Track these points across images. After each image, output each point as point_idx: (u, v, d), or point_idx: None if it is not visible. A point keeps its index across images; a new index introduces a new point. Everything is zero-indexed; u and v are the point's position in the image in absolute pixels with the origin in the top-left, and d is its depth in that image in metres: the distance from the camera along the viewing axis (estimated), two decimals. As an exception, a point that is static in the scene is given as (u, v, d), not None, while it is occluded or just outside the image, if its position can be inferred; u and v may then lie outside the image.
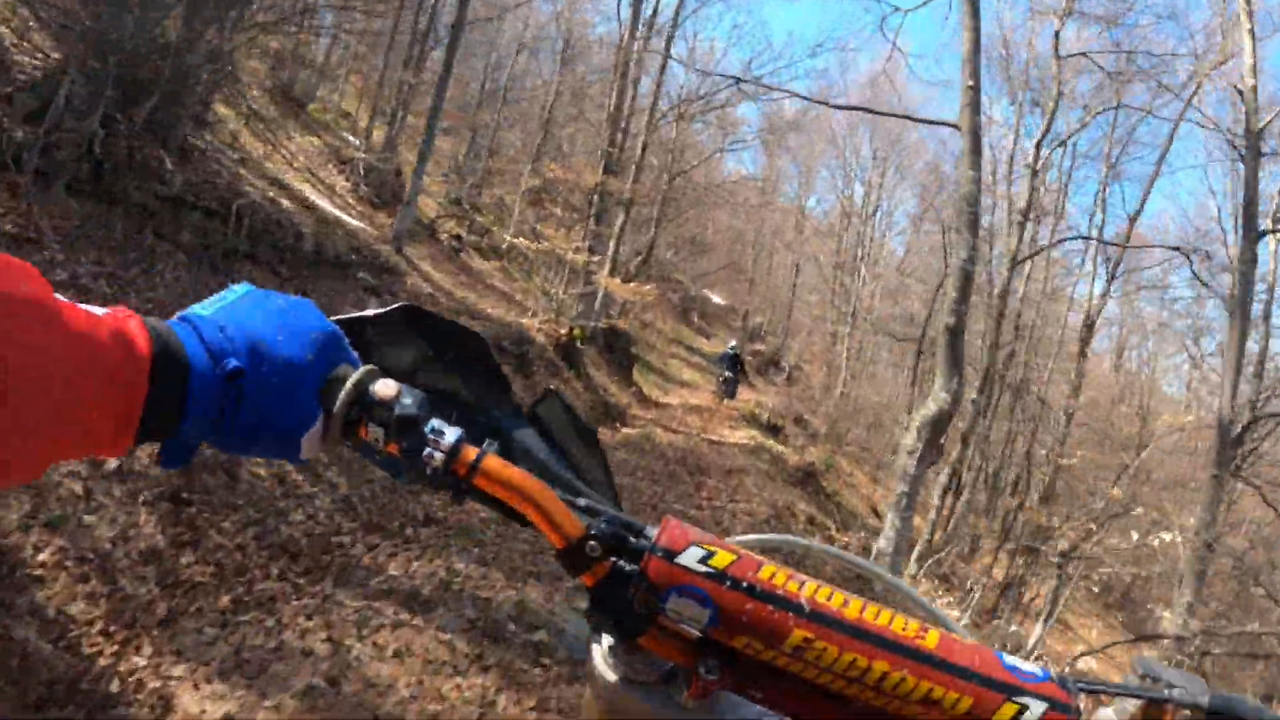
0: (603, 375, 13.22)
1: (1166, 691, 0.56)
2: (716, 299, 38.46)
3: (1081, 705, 0.52)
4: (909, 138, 27.78)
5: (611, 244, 14.23)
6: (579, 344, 9.82)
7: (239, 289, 0.57)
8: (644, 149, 15.35)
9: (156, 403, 0.50)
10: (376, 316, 0.65)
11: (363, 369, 0.58)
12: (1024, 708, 0.50)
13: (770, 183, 35.37)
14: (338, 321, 0.61)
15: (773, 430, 15.07)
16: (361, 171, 11.08)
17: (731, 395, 17.29)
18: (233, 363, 0.52)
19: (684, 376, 22.78)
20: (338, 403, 0.56)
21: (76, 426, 0.47)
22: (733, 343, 19.51)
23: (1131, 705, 0.58)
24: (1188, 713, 0.56)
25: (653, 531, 0.56)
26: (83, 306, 0.48)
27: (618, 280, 9.66)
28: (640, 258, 15.69)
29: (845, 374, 25.47)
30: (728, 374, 17.49)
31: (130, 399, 0.49)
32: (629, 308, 15.44)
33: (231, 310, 0.55)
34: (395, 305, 0.66)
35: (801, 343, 41.97)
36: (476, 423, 0.64)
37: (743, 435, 12.94)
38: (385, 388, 0.56)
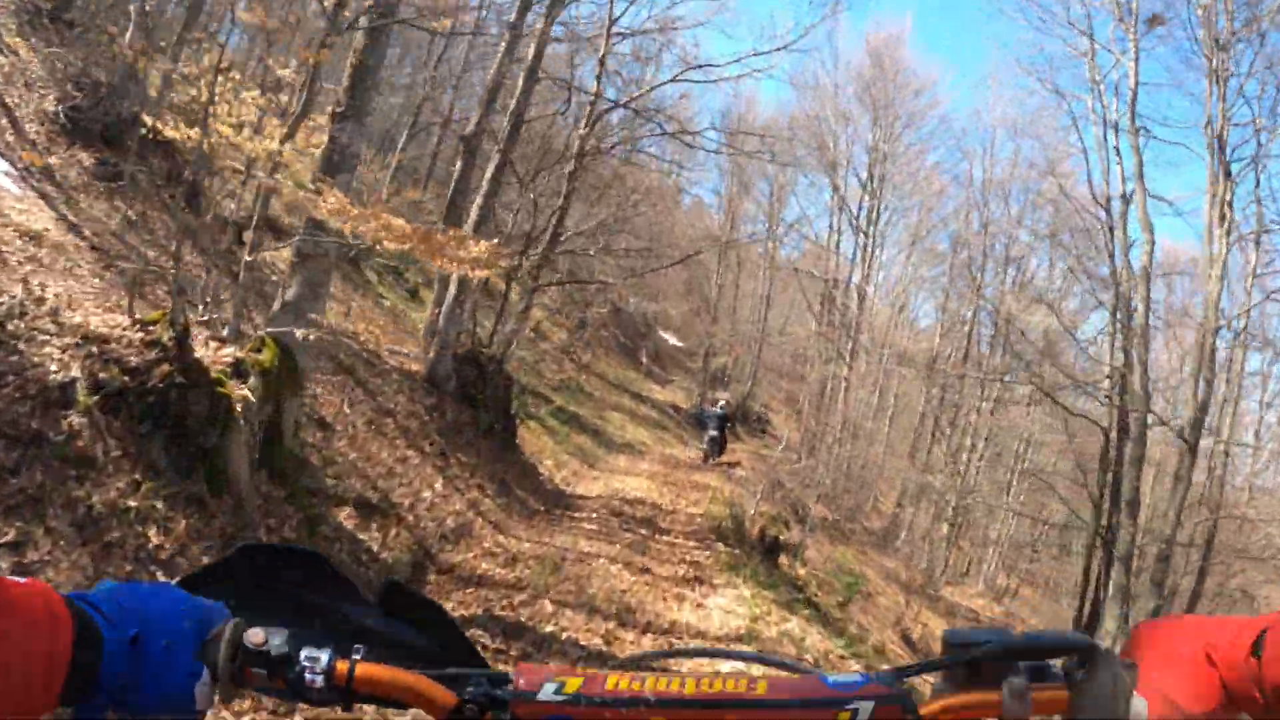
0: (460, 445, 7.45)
1: (975, 651, 0.61)
2: (672, 339, 33.07)
3: (908, 689, 0.61)
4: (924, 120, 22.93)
5: (476, 212, 8.50)
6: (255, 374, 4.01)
7: (109, 583, 0.63)
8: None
9: (78, 668, 0.55)
10: (218, 565, 0.71)
11: (230, 625, 0.63)
12: (855, 712, 0.59)
13: (734, 203, 30.49)
14: (182, 582, 0.68)
15: (768, 553, 9.27)
16: None
17: (718, 453, 16.34)
18: (133, 630, 0.59)
19: (627, 435, 17.08)
20: (220, 661, 0.62)
21: (14, 698, 0.51)
22: (722, 401, 18.31)
23: (957, 671, 0.63)
24: (1002, 661, 0.61)
25: (513, 677, 0.64)
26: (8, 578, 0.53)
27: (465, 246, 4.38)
28: (539, 235, 9.79)
29: (839, 428, 19.91)
30: (714, 433, 16.30)
31: (56, 668, 0.54)
32: (510, 330, 9.67)
33: (116, 592, 0.62)
34: (232, 549, 0.71)
35: (768, 387, 36.98)
36: (337, 624, 0.69)
37: (721, 592, 6.74)
38: (255, 635, 0.63)
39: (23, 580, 0.54)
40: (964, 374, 16.67)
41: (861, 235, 21.72)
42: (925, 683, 0.67)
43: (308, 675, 0.62)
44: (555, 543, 6.72)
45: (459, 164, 9.25)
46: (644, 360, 29.46)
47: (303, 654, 0.63)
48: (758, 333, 31.45)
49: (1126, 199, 12.19)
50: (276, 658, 0.62)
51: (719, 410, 16.88)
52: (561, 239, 10.68)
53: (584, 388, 20.17)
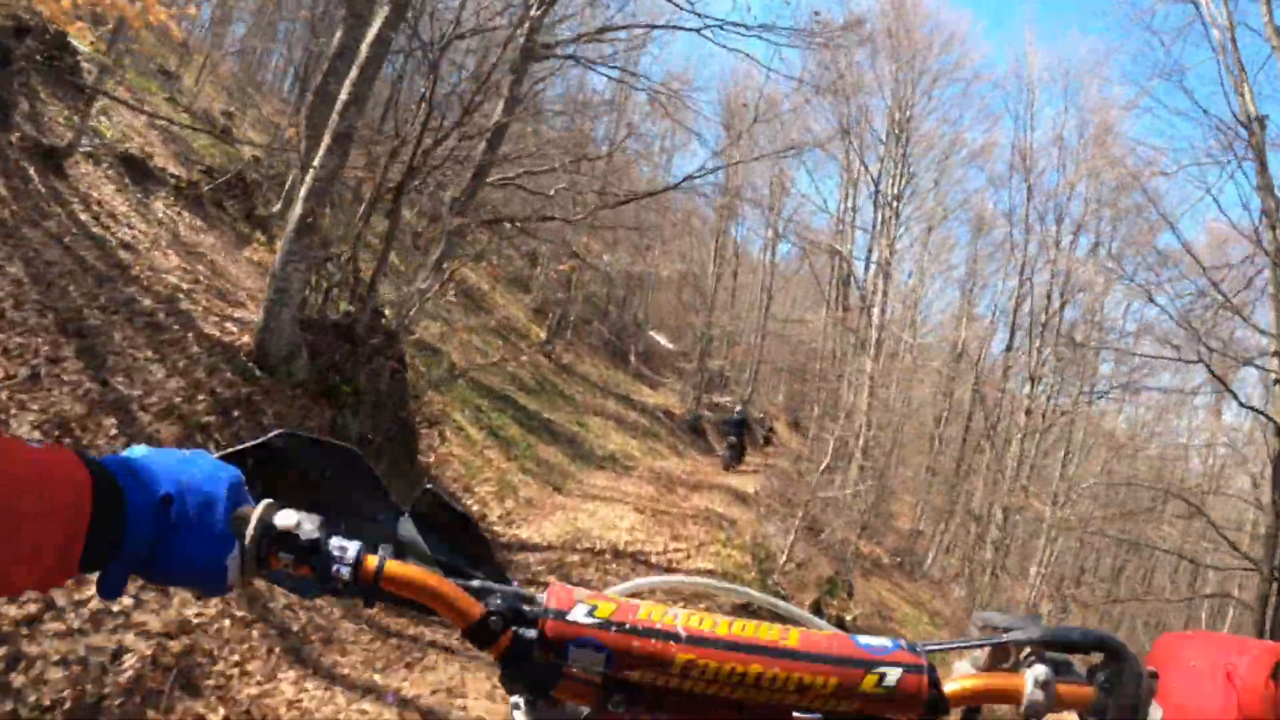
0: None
1: (1005, 635, 0.63)
2: (663, 341, 29.84)
3: (934, 663, 0.60)
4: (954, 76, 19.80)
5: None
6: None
7: (141, 448, 0.61)
8: None
9: (98, 529, 0.53)
10: (256, 445, 0.69)
11: (263, 504, 0.62)
12: (882, 675, 0.59)
13: (731, 191, 27.39)
14: (222, 456, 0.66)
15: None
16: None
17: (738, 460, 16.11)
18: (163, 489, 0.57)
19: (610, 445, 13.84)
20: (248, 537, 0.60)
21: (24, 555, 0.49)
22: (739, 406, 18.04)
23: (980, 653, 0.65)
24: (1028, 650, 0.62)
25: (543, 597, 0.62)
26: (21, 440, 0.51)
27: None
28: (442, 137, 6.38)
29: (863, 434, 16.71)
30: (733, 439, 16.35)
31: (74, 527, 0.52)
32: (417, 291, 6.28)
33: (148, 455, 0.60)
34: (271, 434, 0.69)
35: (767, 391, 33.85)
36: (365, 529, 0.67)
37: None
38: (286, 517, 0.61)
39: (40, 445, 0.53)
40: (1088, 345, 13.46)
41: (885, 209, 18.54)
42: (945, 664, 0.64)
43: (334, 565, 0.61)
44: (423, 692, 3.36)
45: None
46: (632, 360, 26.25)
47: (332, 542, 0.62)
48: (758, 331, 28.36)
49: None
50: (306, 543, 0.61)
51: (736, 415, 16.51)
52: (493, 165, 7.39)
53: (563, 390, 16.95)
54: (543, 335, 19.20)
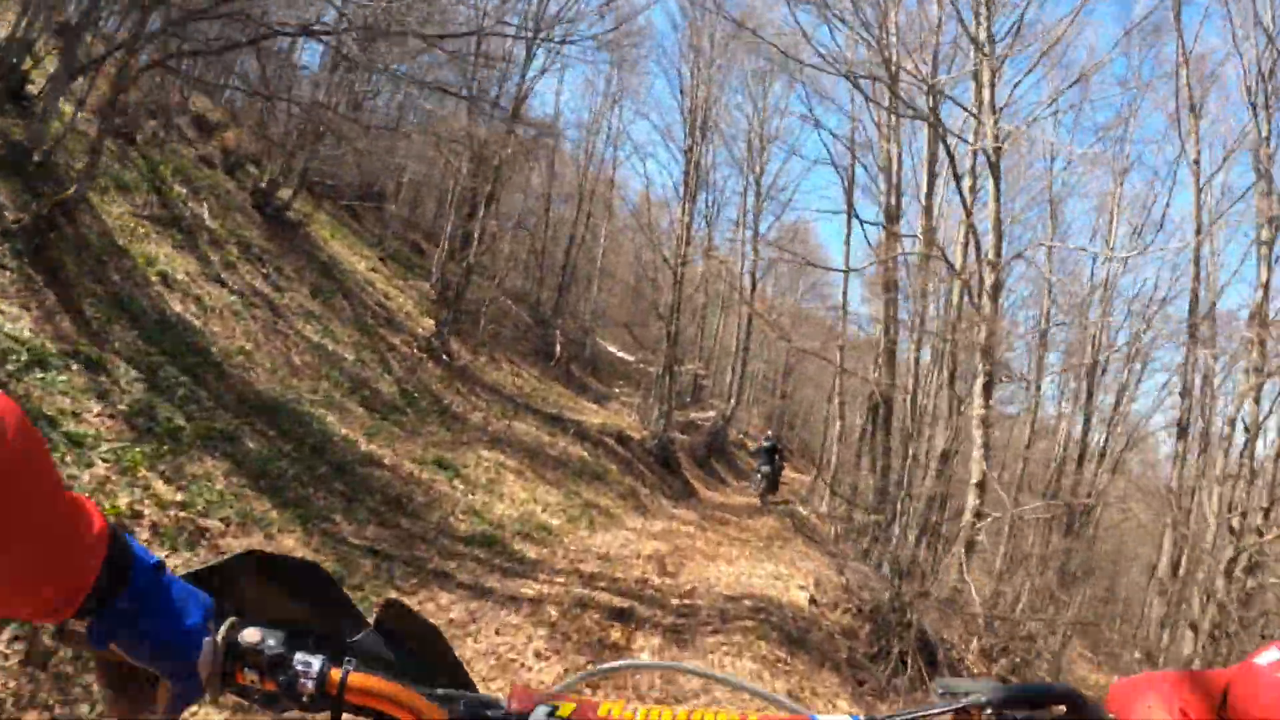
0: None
1: (964, 700, 0.64)
2: (617, 351, 23.17)
3: None
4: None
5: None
6: None
7: None
8: None
9: (104, 578, 0.57)
10: (220, 565, 0.69)
11: (227, 621, 0.64)
12: None
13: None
14: (186, 576, 0.66)
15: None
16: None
17: (774, 489, 14.66)
18: (157, 558, 0.61)
19: (504, 506, 6.99)
20: (213, 653, 0.62)
21: (40, 588, 0.54)
22: (769, 432, 16.78)
23: None
24: (989, 712, 0.63)
25: (504, 700, 0.64)
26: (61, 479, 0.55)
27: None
28: None
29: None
30: (765, 468, 14.61)
31: (85, 570, 0.56)
32: None
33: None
34: (236, 553, 0.69)
35: (749, 406, 27.51)
36: (332, 642, 0.68)
37: None
38: (251, 634, 0.63)
39: (74, 493, 0.56)
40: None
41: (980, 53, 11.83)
42: None
43: (300, 680, 0.62)
44: None
45: None
46: (574, 370, 19.46)
47: (297, 658, 0.63)
48: (740, 328, 21.89)
49: None
50: (271, 659, 0.62)
51: (766, 443, 15.26)
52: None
53: (449, 406, 10.17)
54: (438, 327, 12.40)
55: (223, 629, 0.63)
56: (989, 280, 8.75)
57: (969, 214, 8.93)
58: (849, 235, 16.37)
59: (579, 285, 24.13)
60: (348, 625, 0.69)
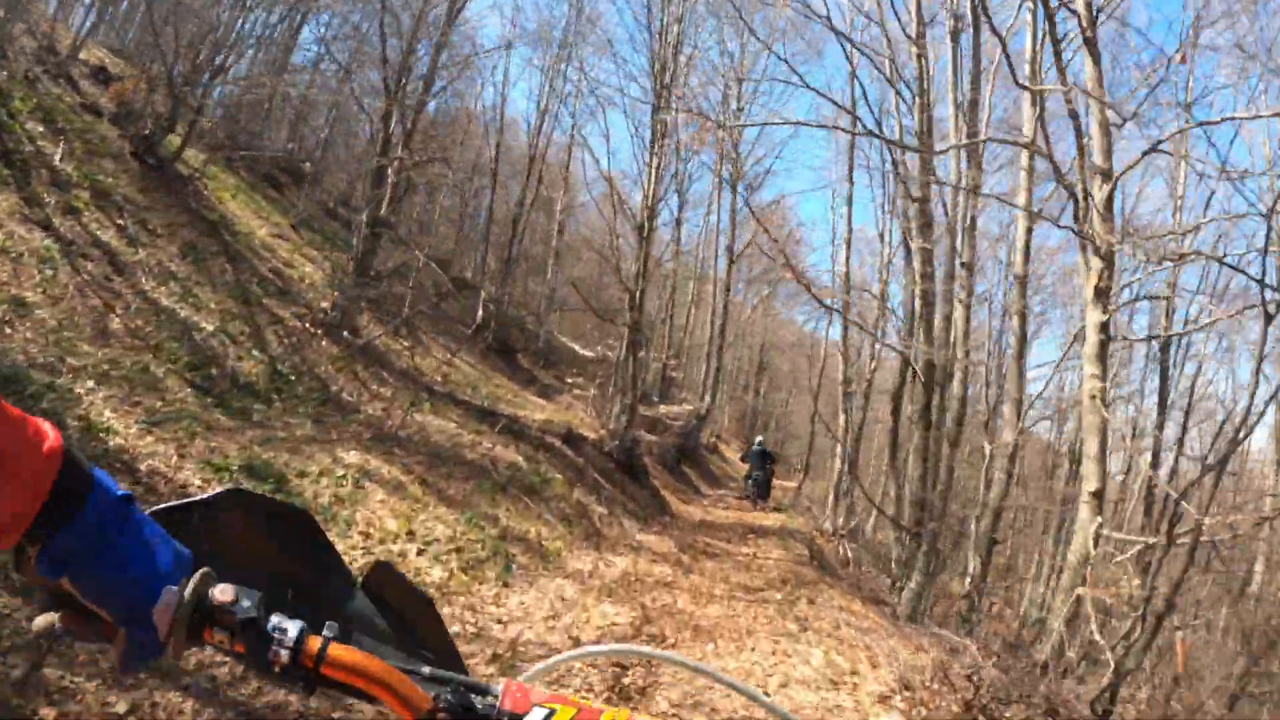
0: None
1: None
2: (577, 348, 20.09)
3: None
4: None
5: None
6: None
7: None
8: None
9: (58, 498, 0.52)
10: (204, 501, 0.64)
11: (198, 574, 0.57)
12: None
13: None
14: (169, 508, 0.61)
15: None
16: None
17: (765, 496, 13.77)
18: (124, 491, 0.56)
19: (374, 529, 3.85)
20: (181, 607, 0.55)
21: None
22: (760, 438, 15.80)
23: None
24: None
25: (498, 690, 0.59)
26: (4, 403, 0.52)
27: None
28: None
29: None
30: (757, 474, 13.86)
31: (28, 491, 0.51)
32: None
33: None
34: (220, 490, 0.65)
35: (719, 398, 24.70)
36: (314, 600, 0.63)
37: None
38: (223, 592, 0.56)
39: (25, 413, 0.53)
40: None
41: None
42: None
43: (272, 647, 0.56)
44: None
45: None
46: (524, 362, 16.42)
47: (271, 621, 0.57)
48: (714, 316, 19.05)
49: None
50: (242, 620, 0.56)
51: (757, 447, 14.36)
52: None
53: (334, 393, 7.16)
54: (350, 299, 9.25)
55: (193, 580, 0.56)
56: (1101, 194, 5.96)
57: (1068, 100, 6.12)
58: (851, 194, 13.59)
59: (530, 266, 21.02)
60: (334, 581, 0.65)
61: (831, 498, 13.71)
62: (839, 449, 14.23)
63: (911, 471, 8.72)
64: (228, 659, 0.74)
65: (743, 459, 15.32)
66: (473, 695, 0.58)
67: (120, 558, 0.55)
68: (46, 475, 0.52)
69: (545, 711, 0.57)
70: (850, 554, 9.82)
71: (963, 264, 8.42)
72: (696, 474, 17.04)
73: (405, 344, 11.12)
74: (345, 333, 9.23)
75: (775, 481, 18.71)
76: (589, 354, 18.95)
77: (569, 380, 12.49)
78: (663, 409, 14.19)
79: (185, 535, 0.60)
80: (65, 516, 0.53)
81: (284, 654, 0.56)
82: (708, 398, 17.06)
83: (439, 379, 10.68)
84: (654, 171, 11.27)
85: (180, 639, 0.56)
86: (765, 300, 27.19)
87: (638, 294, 10.79)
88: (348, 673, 0.56)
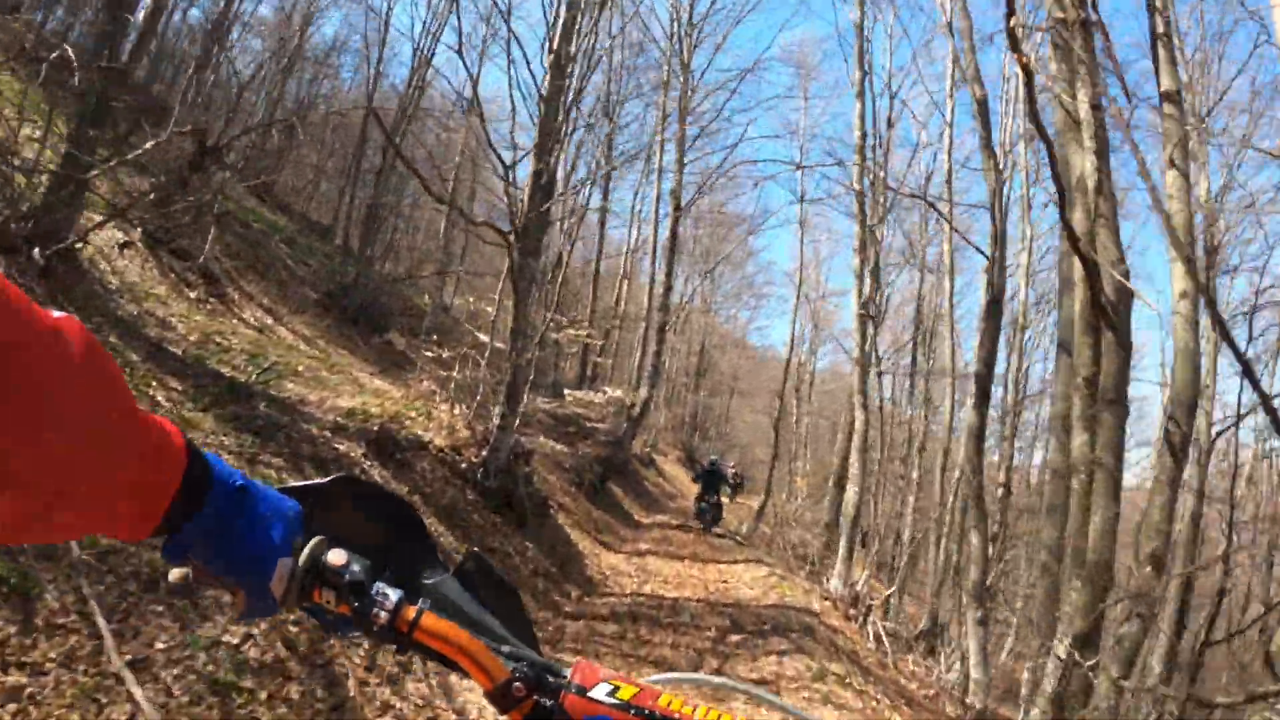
0: None
1: None
2: (481, 334, 15.18)
3: None
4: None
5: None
6: None
7: None
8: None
9: (184, 495, 0.56)
10: (317, 486, 0.68)
11: (315, 539, 0.63)
12: None
13: None
14: (282, 489, 0.66)
15: None
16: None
17: (717, 521, 12.24)
18: (240, 479, 0.61)
19: None
20: (300, 561, 0.61)
21: (120, 504, 0.53)
22: (714, 457, 13.54)
23: None
24: None
25: (568, 671, 0.63)
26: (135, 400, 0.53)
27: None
28: None
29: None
30: (712, 498, 12.20)
31: (165, 486, 0.55)
32: None
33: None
34: (333, 476, 0.69)
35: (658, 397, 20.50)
36: (410, 580, 0.67)
37: None
38: (336, 556, 0.62)
39: (152, 413, 0.55)
40: None
41: None
42: None
43: (374, 608, 0.61)
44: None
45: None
46: (396, 340, 11.74)
47: (376, 586, 0.62)
48: (656, 287, 14.66)
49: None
50: (351, 582, 0.62)
51: (709, 464, 12.57)
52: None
53: None
54: None
55: (309, 545, 0.62)
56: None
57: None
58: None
59: (412, 222, 16.15)
60: (429, 565, 0.68)
61: (844, 548, 9.26)
62: (852, 471, 9.90)
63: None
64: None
65: (695, 479, 13.15)
66: (546, 674, 0.62)
67: (238, 540, 0.59)
68: (175, 471, 0.55)
69: (610, 687, 0.61)
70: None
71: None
72: (628, 495, 12.53)
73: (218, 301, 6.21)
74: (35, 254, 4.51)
75: (738, 500, 15.56)
76: (503, 347, 14.06)
77: (428, 352, 7.68)
78: (580, 396, 9.62)
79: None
80: (190, 513, 0.57)
81: (384, 615, 0.61)
82: (643, 391, 12.51)
83: (183, 332, 5.90)
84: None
85: (293, 598, 0.61)
86: (707, 290, 23.18)
87: (520, 207, 6.25)
88: (437, 639, 0.61)
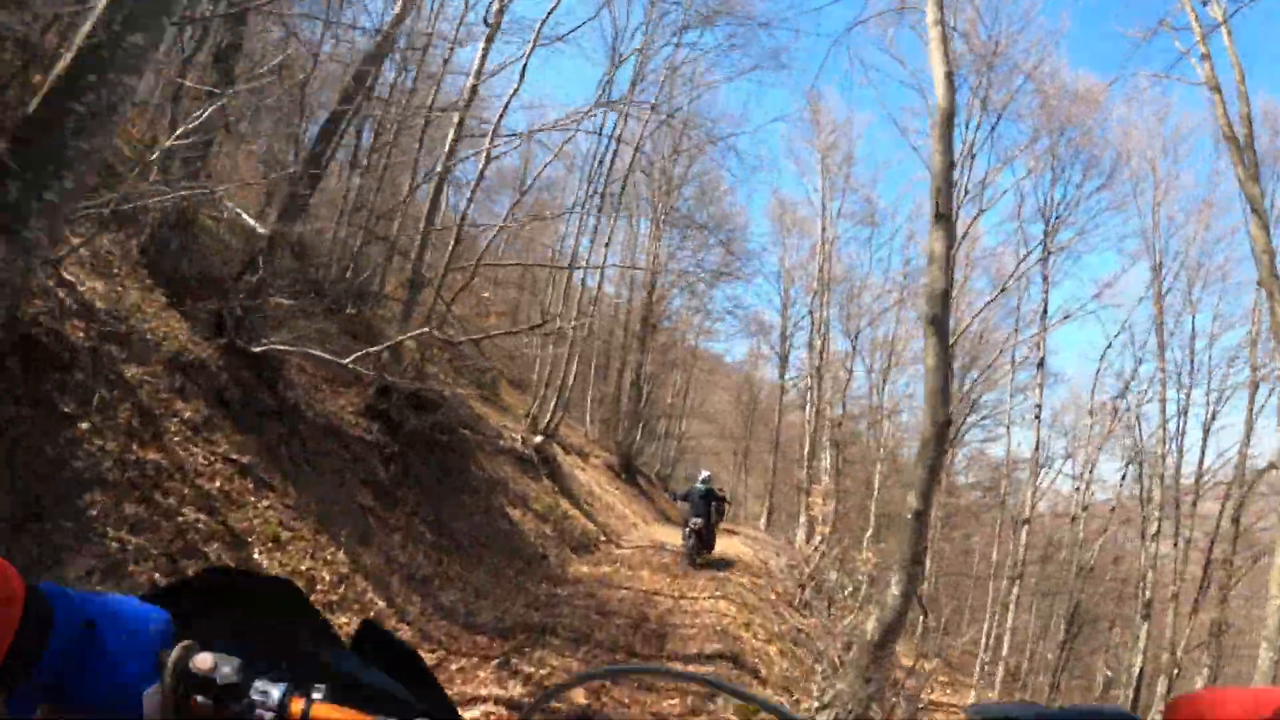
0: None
1: None
2: (325, 354, 14.52)
3: None
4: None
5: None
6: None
7: (67, 590, 0.59)
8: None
9: (21, 644, 0.52)
10: (185, 582, 0.65)
11: (179, 646, 0.58)
12: None
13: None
14: (148, 596, 0.62)
15: None
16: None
17: (709, 548, 11.20)
18: (89, 616, 0.57)
19: None
20: (165, 680, 0.57)
21: None
22: (705, 473, 11.69)
23: None
24: None
25: None
26: None
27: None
28: None
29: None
30: (698, 520, 10.81)
31: (1, 638, 0.51)
32: None
33: (76, 592, 0.58)
34: (203, 568, 0.67)
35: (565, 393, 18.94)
36: (307, 663, 0.63)
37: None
38: (202, 661, 0.58)
39: None
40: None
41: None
42: None
43: (257, 710, 0.58)
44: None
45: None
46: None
47: (254, 686, 0.58)
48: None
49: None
50: (224, 687, 0.57)
51: (701, 485, 11.11)
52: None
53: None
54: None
55: (173, 655, 0.58)
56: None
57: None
58: None
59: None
60: (322, 645, 0.65)
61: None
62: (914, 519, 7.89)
63: None
64: None
65: (680, 498, 12.00)
66: None
67: (92, 682, 0.55)
68: (7, 627, 0.51)
69: None
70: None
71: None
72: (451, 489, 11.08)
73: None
74: None
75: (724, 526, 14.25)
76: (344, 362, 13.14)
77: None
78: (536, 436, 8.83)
79: (175, 617, 0.60)
80: (27, 667, 0.53)
81: (268, 716, 0.57)
82: (552, 400, 12.04)
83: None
84: None
85: (169, 713, 0.57)
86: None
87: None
88: None
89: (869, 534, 18.35)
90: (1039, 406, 19.25)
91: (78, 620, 0.56)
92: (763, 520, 25.96)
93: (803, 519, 18.68)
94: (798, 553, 14.58)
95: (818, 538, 13.15)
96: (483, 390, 14.92)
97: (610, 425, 21.98)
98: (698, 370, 30.87)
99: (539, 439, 13.27)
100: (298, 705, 0.58)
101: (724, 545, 12.68)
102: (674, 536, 13.02)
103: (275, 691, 0.57)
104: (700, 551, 10.84)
